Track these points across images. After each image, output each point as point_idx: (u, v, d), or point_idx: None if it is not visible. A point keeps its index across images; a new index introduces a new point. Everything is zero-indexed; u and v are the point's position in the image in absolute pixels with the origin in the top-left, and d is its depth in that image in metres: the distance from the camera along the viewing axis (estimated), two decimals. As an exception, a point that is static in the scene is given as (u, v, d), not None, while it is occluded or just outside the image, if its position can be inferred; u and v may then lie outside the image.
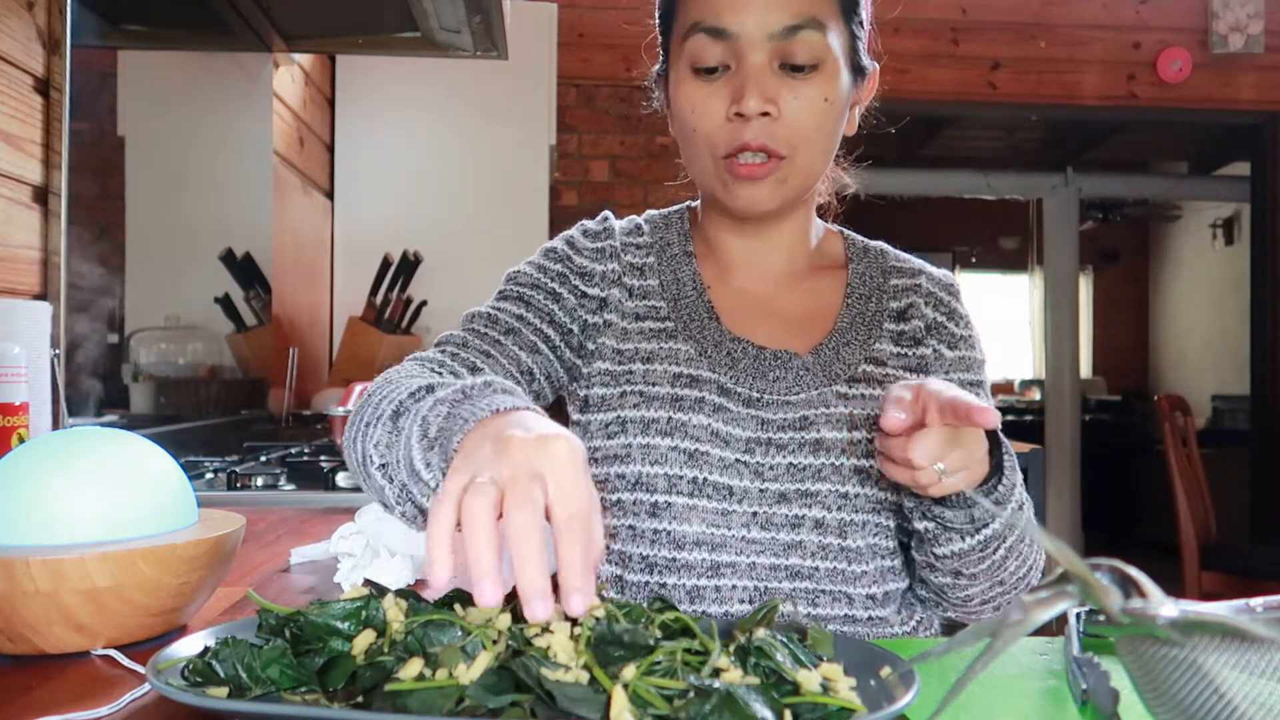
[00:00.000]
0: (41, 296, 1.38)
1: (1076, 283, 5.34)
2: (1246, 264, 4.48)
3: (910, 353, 0.96)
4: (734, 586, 0.87)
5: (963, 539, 0.84)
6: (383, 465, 0.70)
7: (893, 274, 1.00)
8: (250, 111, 2.31)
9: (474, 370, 0.87)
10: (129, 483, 0.70)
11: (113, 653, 0.66)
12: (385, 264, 2.80)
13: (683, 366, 0.92)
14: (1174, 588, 2.51)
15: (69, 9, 1.39)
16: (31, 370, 1.05)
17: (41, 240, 1.39)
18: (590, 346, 0.95)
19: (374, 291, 2.82)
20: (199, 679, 0.53)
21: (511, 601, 0.61)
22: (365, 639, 0.55)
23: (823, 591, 0.87)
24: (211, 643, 0.54)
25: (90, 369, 1.50)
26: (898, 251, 1.04)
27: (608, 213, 1.03)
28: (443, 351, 0.89)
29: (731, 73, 0.88)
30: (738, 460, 0.88)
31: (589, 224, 1.01)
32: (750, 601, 0.86)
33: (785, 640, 0.54)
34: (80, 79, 1.43)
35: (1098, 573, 0.47)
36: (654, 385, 0.90)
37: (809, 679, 0.50)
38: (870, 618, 0.89)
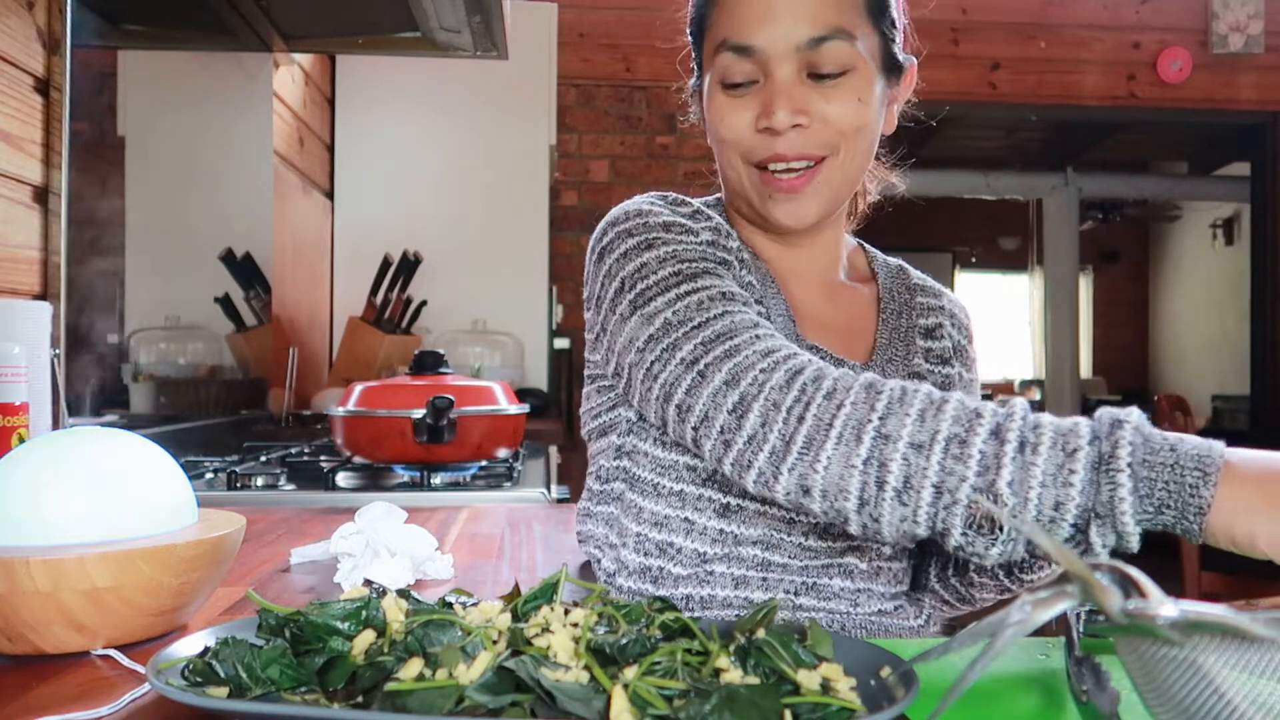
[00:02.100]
0: (41, 296, 1.38)
1: (1076, 283, 5.34)
2: (1246, 264, 4.49)
3: (939, 370, 0.96)
4: (780, 580, 0.88)
5: (1008, 575, 0.88)
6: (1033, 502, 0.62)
7: (917, 292, 1.00)
8: (250, 111, 2.31)
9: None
10: (129, 483, 0.70)
11: (113, 653, 0.66)
12: (385, 264, 2.80)
13: None
14: (1174, 588, 2.51)
15: (69, 9, 1.39)
16: (31, 370, 1.05)
17: (41, 240, 1.39)
18: None
19: (374, 291, 2.82)
20: (199, 679, 0.53)
21: (511, 601, 0.61)
22: (365, 639, 0.55)
23: (869, 591, 0.89)
24: (211, 643, 0.54)
25: (90, 369, 1.50)
26: (914, 269, 1.04)
27: (689, 199, 0.96)
28: (771, 335, 0.78)
29: (760, 86, 0.86)
30: None
31: (673, 198, 0.94)
32: (797, 593, 0.88)
33: (785, 640, 0.54)
34: (80, 79, 1.43)
35: (1098, 573, 0.47)
36: None
37: (809, 679, 0.50)
38: (894, 594, 0.91)
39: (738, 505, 0.85)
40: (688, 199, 0.94)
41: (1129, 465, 0.59)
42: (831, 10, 0.84)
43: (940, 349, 0.97)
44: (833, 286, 0.97)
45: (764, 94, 0.86)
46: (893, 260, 1.04)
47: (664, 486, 0.87)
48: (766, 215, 0.89)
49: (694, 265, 0.83)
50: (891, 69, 0.90)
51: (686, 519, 0.86)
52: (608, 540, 0.91)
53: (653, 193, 0.95)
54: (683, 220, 0.89)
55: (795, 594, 0.87)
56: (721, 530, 0.85)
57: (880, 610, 0.89)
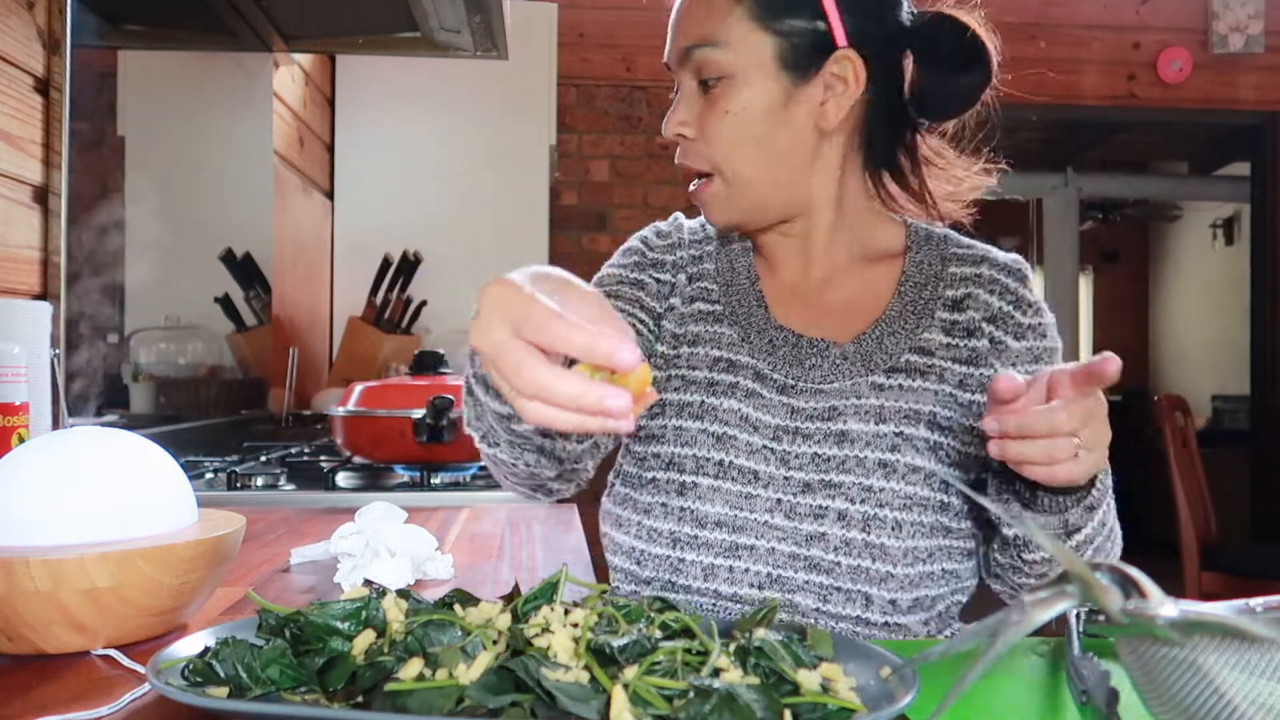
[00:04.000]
0: (41, 296, 1.38)
1: (1076, 283, 5.35)
2: (1246, 264, 4.49)
3: (962, 344, 0.92)
4: (748, 570, 0.87)
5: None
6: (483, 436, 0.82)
7: (953, 261, 0.97)
8: (250, 111, 2.31)
9: None
10: (129, 483, 0.70)
11: (113, 653, 0.66)
12: (385, 264, 2.80)
13: (724, 351, 0.94)
14: (1174, 588, 2.50)
15: (69, 9, 1.39)
16: (31, 370, 1.05)
17: (41, 240, 1.39)
18: (658, 331, 0.99)
19: (374, 291, 2.82)
20: (199, 679, 0.53)
21: (511, 601, 0.61)
22: (365, 639, 0.55)
23: (838, 589, 0.86)
24: (211, 643, 0.54)
25: (90, 369, 1.50)
26: (963, 238, 1.00)
27: (679, 214, 1.07)
28: None
29: None
30: (765, 446, 0.89)
31: (661, 224, 1.06)
32: (762, 587, 0.87)
33: (785, 640, 0.54)
34: (80, 79, 1.43)
35: (1098, 573, 0.47)
36: (694, 369, 0.94)
37: (809, 679, 0.50)
38: (886, 623, 0.86)
39: (692, 483, 0.90)
40: (685, 220, 1.05)
41: None
42: (700, 21, 0.90)
43: (967, 321, 0.93)
44: (843, 268, 0.97)
45: None
46: (939, 230, 1.00)
47: (640, 475, 0.94)
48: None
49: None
50: (803, 66, 0.89)
51: (661, 503, 0.91)
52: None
53: (680, 213, 1.08)
54: (637, 245, 1.02)
55: (760, 586, 0.87)
56: (681, 508, 0.90)
57: (862, 618, 0.86)
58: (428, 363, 1.66)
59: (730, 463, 0.89)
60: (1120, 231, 7.42)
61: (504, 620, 0.57)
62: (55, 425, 1.21)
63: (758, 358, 0.93)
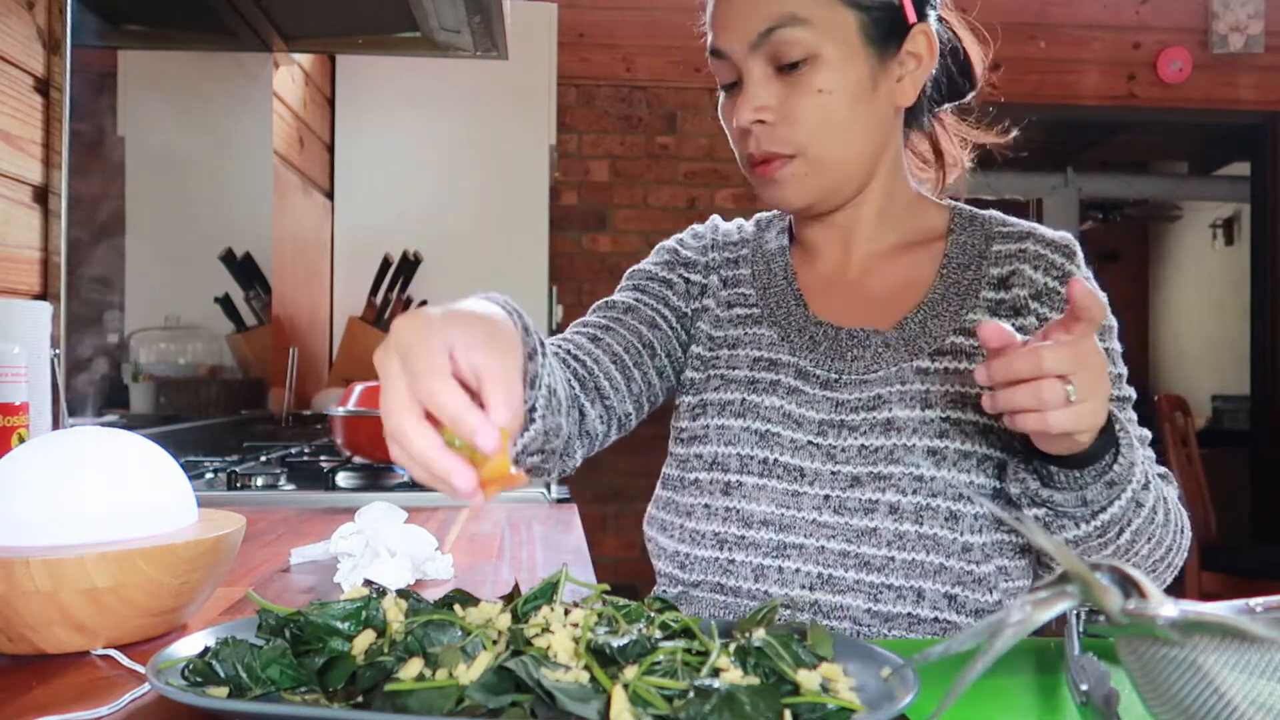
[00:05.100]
0: (41, 296, 1.38)
1: (1076, 283, 5.33)
2: (1246, 264, 4.48)
3: (1009, 323, 0.88)
4: (798, 570, 0.85)
5: (1077, 525, 0.78)
6: None
7: (997, 239, 0.95)
8: (250, 111, 2.31)
9: (594, 340, 0.94)
10: (129, 483, 0.70)
11: (113, 653, 0.66)
12: (385, 264, 2.80)
13: (764, 350, 0.95)
14: (1174, 588, 2.50)
15: (69, 9, 1.39)
16: (31, 370, 1.05)
17: (41, 240, 1.38)
18: (691, 331, 1.00)
19: (374, 291, 2.82)
20: (199, 679, 0.53)
21: (511, 601, 0.61)
22: (365, 639, 0.55)
23: (889, 586, 0.83)
24: (211, 643, 0.54)
25: (90, 369, 1.50)
26: (1008, 217, 0.98)
27: (717, 216, 1.09)
28: (569, 331, 0.96)
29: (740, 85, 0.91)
30: (810, 442, 0.88)
31: (698, 226, 1.07)
32: (813, 588, 0.85)
33: (785, 640, 0.54)
34: (80, 79, 1.43)
35: (1098, 573, 0.47)
36: (734, 369, 0.94)
37: (809, 679, 0.50)
38: (937, 619, 0.83)
39: (737, 482, 0.89)
40: (721, 223, 1.07)
41: None
42: (778, 0, 0.87)
43: (1012, 299, 0.90)
44: (882, 255, 0.97)
45: (739, 93, 0.90)
46: (984, 212, 0.99)
47: (683, 477, 0.94)
48: (766, 203, 0.96)
49: (626, 283, 1.02)
50: (885, 42, 0.89)
51: (705, 504, 0.91)
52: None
53: (717, 215, 1.09)
54: (671, 244, 1.04)
55: (811, 587, 0.86)
56: (727, 508, 0.89)
57: (913, 615, 0.83)
58: (428, 363, 1.66)
59: (775, 460, 0.88)
60: (1120, 231, 7.41)
61: (504, 620, 0.57)
62: (55, 425, 1.21)
63: (799, 355, 0.93)
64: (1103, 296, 0.88)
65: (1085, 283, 0.68)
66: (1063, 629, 0.65)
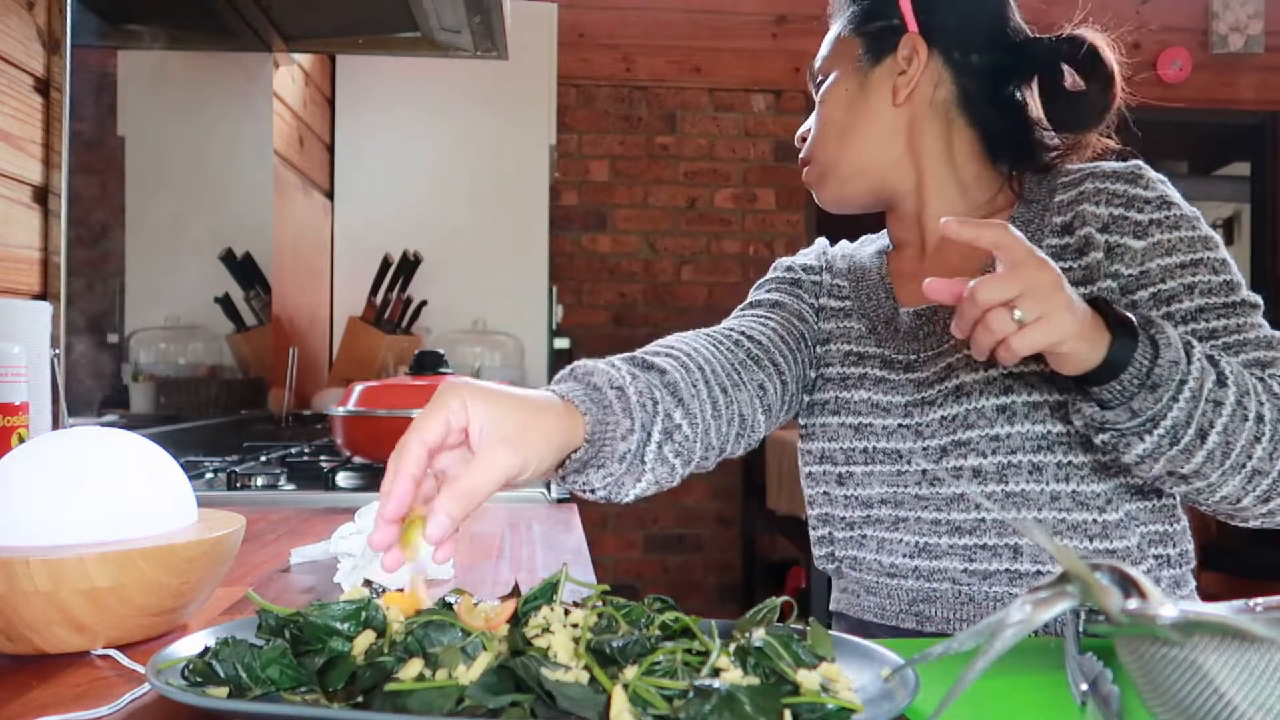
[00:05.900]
0: (41, 296, 1.38)
1: (1076, 283, 5.34)
2: (1247, 264, 4.49)
3: (1074, 265, 0.89)
4: (902, 540, 0.94)
5: (1142, 439, 0.76)
6: None
7: (1059, 190, 0.95)
8: (250, 111, 2.31)
9: (762, 321, 0.99)
10: (129, 483, 0.70)
11: (113, 653, 0.66)
12: (385, 264, 2.80)
13: (853, 344, 1.01)
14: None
15: (69, 9, 1.39)
16: (31, 370, 1.05)
17: (41, 240, 1.38)
18: (815, 329, 1.08)
19: (374, 291, 2.82)
20: (199, 679, 0.53)
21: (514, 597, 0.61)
22: (365, 639, 0.55)
23: (983, 546, 0.89)
24: (211, 643, 0.54)
25: (90, 369, 1.50)
26: (1072, 166, 0.98)
27: (823, 238, 1.18)
28: (727, 322, 1.01)
29: None
30: (900, 425, 0.95)
31: (821, 243, 1.17)
32: (910, 556, 0.93)
33: (785, 640, 0.54)
34: (80, 79, 1.43)
35: (1098, 573, 0.47)
36: (828, 366, 1.02)
37: (809, 679, 0.50)
38: (1039, 572, 0.87)
39: (848, 473, 0.99)
40: (823, 240, 1.15)
41: None
42: (821, 44, 1.05)
43: (1076, 241, 0.90)
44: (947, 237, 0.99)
45: None
46: (1054, 170, 0.99)
47: (803, 469, 1.06)
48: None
49: (757, 292, 1.09)
50: (878, 53, 1.00)
51: (825, 493, 1.01)
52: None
53: (823, 237, 1.18)
54: (784, 259, 1.12)
55: (910, 555, 0.95)
56: (846, 496, 1.00)
57: (1011, 570, 0.88)
58: (428, 363, 1.66)
59: (874, 448, 0.96)
60: (1120, 231, 7.41)
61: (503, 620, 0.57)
62: (55, 425, 1.21)
63: (884, 345, 0.99)
64: (1189, 210, 0.88)
65: (953, 219, 0.71)
66: (1063, 629, 0.65)
